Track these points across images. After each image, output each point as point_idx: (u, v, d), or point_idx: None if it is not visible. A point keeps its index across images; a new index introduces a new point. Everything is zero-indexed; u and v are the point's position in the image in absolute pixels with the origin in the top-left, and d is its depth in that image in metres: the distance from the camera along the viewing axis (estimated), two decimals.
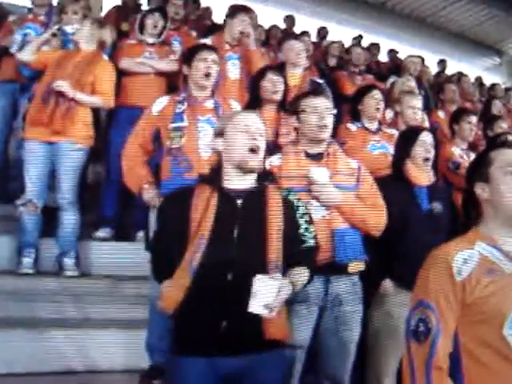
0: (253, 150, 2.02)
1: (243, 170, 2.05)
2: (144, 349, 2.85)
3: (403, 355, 1.63)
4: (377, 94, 3.61)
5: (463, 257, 1.57)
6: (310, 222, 2.15)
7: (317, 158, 2.57)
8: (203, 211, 1.97)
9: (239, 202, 2.01)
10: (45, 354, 2.89)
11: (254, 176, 2.08)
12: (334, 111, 2.64)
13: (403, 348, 1.64)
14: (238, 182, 2.06)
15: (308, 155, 2.57)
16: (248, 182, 2.07)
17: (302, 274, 2.08)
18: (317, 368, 2.53)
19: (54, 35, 3.67)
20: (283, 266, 2.00)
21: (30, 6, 4.43)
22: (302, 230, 2.11)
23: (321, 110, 2.56)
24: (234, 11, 4.10)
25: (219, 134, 2.14)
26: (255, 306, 1.89)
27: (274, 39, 6.01)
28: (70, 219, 3.44)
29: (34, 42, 3.62)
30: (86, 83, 3.49)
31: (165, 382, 2.78)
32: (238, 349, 1.91)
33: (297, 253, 2.07)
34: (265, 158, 2.15)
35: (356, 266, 2.53)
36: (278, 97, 3.42)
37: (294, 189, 2.32)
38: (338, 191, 2.49)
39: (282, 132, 3.27)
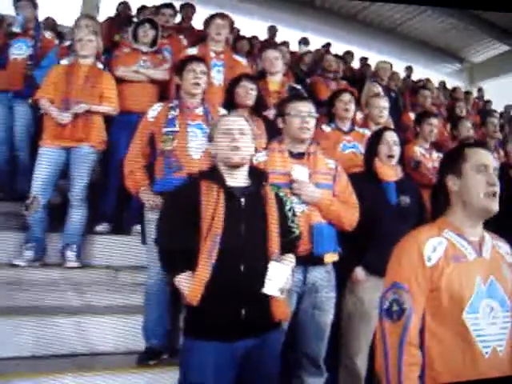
0: (234, 148, 2.08)
1: (229, 165, 2.11)
2: (141, 332, 2.86)
3: (376, 333, 1.66)
4: (345, 97, 3.55)
5: (433, 244, 1.61)
6: (295, 214, 2.25)
7: (299, 157, 2.58)
8: (214, 210, 2.00)
9: (243, 200, 2.06)
10: (49, 339, 2.87)
11: (243, 172, 2.13)
12: (316, 115, 2.63)
13: (376, 327, 1.66)
14: (231, 178, 2.10)
15: (291, 154, 2.58)
16: (241, 178, 2.12)
17: (293, 260, 2.18)
18: (295, 347, 2.55)
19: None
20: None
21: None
22: (289, 222, 2.20)
23: (303, 113, 2.57)
24: (209, 19, 4.08)
25: (210, 139, 2.23)
26: (271, 289, 1.98)
27: (256, 49, 5.97)
28: (78, 214, 3.45)
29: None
30: (96, 94, 3.52)
31: (161, 363, 2.81)
32: (253, 331, 2.00)
33: (288, 242, 2.17)
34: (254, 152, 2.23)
35: (331, 257, 2.55)
36: (250, 102, 3.36)
37: (277, 184, 2.35)
38: (317, 189, 2.50)
39: None
